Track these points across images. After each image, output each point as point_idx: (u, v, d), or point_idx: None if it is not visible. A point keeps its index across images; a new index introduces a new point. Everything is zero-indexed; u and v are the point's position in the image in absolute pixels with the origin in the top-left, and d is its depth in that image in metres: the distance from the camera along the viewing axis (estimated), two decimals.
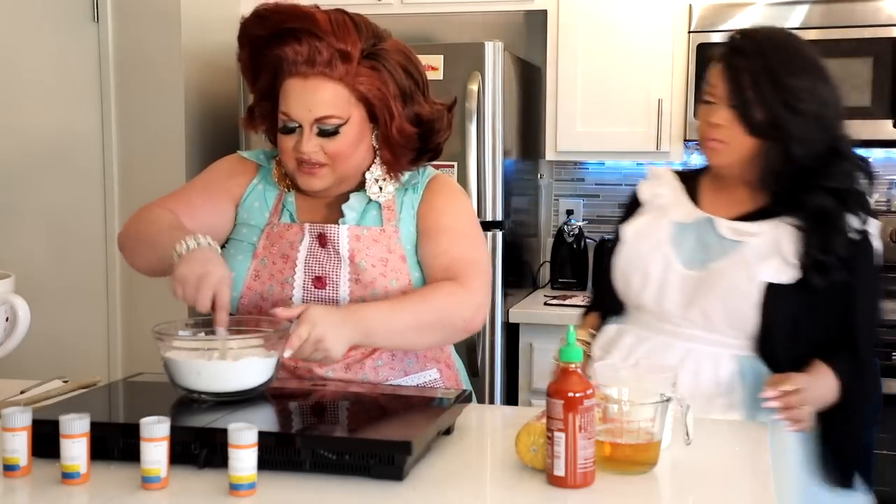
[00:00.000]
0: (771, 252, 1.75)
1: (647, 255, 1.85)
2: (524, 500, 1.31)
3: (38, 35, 3.17)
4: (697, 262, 1.81)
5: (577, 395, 1.30)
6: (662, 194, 1.93)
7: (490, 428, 1.71)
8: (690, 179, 1.94)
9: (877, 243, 1.79)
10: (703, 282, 1.78)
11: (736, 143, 1.77)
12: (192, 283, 1.52)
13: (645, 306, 1.86)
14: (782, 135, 1.74)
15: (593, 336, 1.95)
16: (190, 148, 3.21)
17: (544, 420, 1.34)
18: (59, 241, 3.26)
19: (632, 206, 1.98)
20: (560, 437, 1.30)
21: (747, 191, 1.83)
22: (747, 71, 1.75)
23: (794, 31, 1.92)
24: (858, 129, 2.92)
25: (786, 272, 1.74)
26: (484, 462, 1.52)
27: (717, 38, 3.07)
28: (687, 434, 1.46)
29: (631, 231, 1.91)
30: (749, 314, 1.74)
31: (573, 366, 1.33)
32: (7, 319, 1.81)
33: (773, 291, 1.73)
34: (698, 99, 1.89)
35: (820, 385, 1.70)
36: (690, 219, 1.86)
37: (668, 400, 1.41)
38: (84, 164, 3.24)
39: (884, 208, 3.31)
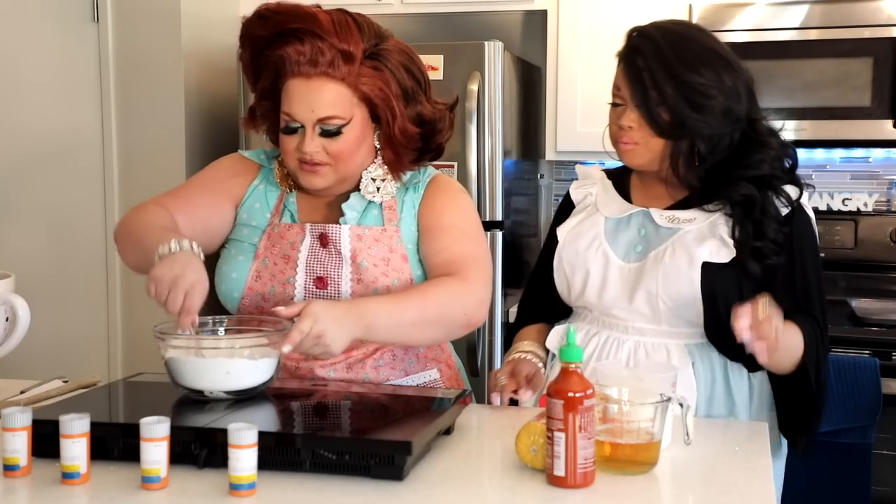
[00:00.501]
0: (708, 234, 1.74)
1: (584, 253, 1.84)
2: (524, 500, 1.30)
3: (38, 35, 3.17)
4: (635, 255, 1.80)
5: (577, 395, 1.30)
6: (593, 193, 1.92)
7: (490, 428, 1.71)
8: (620, 176, 1.93)
9: (810, 211, 1.79)
10: (644, 270, 1.76)
11: (648, 144, 1.76)
12: (166, 284, 1.51)
13: (589, 304, 1.84)
14: (690, 134, 1.72)
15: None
16: (190, 148, 3.21)
17: (544, 420, 1.34)
18: (59, 240, 3.26)
19: (565, 208, 1.97)
20: (560, 437, 1.30)
21: (673, 185, 1.81)
22: (647, 70, 1.72)
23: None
24: (858, 129, 2.91)
25: (724, 252, 1.72)
26: (484, 462, 1.52)
27: None
28: (687, 434, 1.46)
29: (566, 231, 1.89)
30: (692, 297, 1.72)
31: (573, 366, 1.33)
32: (7, 319, 1.81)
33: (713, 271, 1.72)
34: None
35: (789, 336, 1.66)
36: (624, 213, 1.85)
37: (668, 400, 1.41)
38: (84, 164, 3.23)
39: (884, 208, 3.31)
